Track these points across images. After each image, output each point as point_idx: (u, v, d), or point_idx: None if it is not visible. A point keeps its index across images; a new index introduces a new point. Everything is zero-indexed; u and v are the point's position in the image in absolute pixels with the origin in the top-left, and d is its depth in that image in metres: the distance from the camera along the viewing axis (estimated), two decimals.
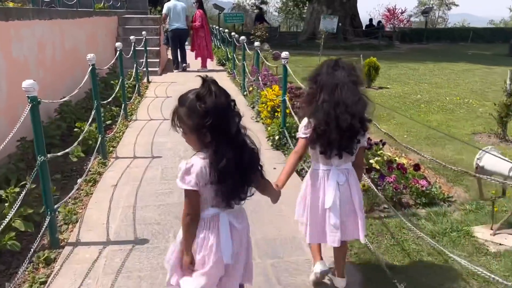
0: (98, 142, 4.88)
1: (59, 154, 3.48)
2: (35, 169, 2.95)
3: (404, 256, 3.02)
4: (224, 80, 10.87)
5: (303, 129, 2.34)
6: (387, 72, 12.34)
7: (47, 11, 6.60)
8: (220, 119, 1.70)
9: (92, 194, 4.08)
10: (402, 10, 43.12)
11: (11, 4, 7.67)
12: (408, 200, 3.87)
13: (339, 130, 2.20)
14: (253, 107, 7.55)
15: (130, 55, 8.46)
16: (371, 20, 27.39)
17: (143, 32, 10.29)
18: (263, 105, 6.03)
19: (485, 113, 6.90)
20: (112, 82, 8.07)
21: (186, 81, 10.45)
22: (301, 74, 7.73)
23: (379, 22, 27.31)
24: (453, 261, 2.79)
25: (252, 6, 31.42)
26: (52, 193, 3.90)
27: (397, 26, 28.37)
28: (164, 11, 11.63)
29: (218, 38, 16.89)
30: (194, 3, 12.49)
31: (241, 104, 8.01)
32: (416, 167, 4.07)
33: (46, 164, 2.95)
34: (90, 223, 3.51)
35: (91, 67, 4.67)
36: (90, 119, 4.73)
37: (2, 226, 2.57)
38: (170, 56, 15.33)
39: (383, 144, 4.93)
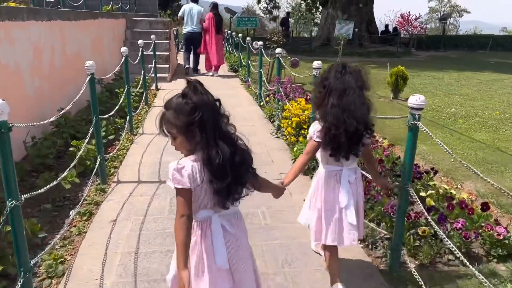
0: (97, 164, 4.16)
1: (40, 191, 2.72)
2: (3, 217, 2.22)
3: None
4: (238, 88, 10.17)
5: (318, 133, 2.35)
6: (411, 82, 11.51)
7: (45, 11, 5.92)
8: (208, 113, 1.67)
9: (86, 233, 3.34)
10: (416, 17, 42.40)
11: (12, 5, 7.04)
12: (478, 250, 3.09)
13: (347, 134, 2.23)
14: (272, 120, 6.82)
15: (137, 60, 7.78)
16: (387, 26, 26.60)
17: (152, 36, 9.61)
18: (287, 120, 5.28)
19: None
20: (117, 90, 7.37)
21: None
22: None
23: (395, 28, 26.48)
24: None
25: (264, 11, 30.76)
26: (37, 231, 3.21)
27: (411, 32, 27.54)
28: (180, 13, 11.54)
29: (231, 43, 16.19)
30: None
31: (258, 115, 7.27)
32: (485, 206, 3.29)
33: (19, 210, 2.22)
34: (79, 277, 2.76)
35: (89, 76, 3.96)
36: (88, 136, 4.02)
37: None
38: (180, 62, 14.79)
39: (435, 173, 4.16)
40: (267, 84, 8.26)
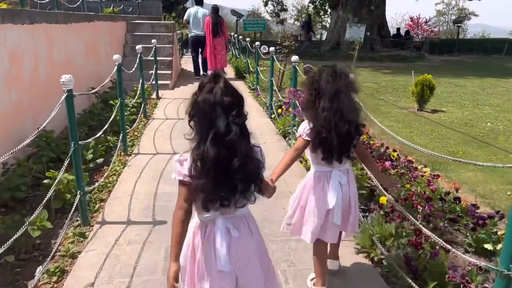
0: (76, 200, 3.35)
1: None
2: None
3: None
4: (245, 97, 9.33)
5: (308, 131, 2.34)
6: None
7: (27, 13, 5.13)
8: (204, 113, 1.66)
9: None
10: (426, 20, 41.43)
11: (3, 6, 6.29)
12: None
13: (338, 137, 2.25)
14: (285, 137, 6.01)
15: (136, 66, 6.99)
16: (398, 29, 25.71)
17: (153, 40, 8.83)
18: None
19: None
20: (111, 102, 6.57)
21: None
22: None
23: (407, 31, 25.61)
24: None
25: (271, 14, 29.95)
26: None
27: (425, 36, 26.67)
28: (185, 17, 11.40)
29: (237, 47, 15.39)
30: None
31: (269, 130, 6.45)
32: None
33: None
34: None
35: (66, 94, 3.15)
36: (67, 162, 3.23)
37: None
38: (183, 67, 14.03)
39: (501, 217, 3.29)
40: (278, 93, 7.45)
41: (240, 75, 12.32)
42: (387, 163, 4.22)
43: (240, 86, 11.00)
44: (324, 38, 22.87)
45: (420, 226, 2.58)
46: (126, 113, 6.53)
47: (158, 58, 10.13)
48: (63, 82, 3.13)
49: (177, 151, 5.38)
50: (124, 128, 5.22)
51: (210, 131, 1.64)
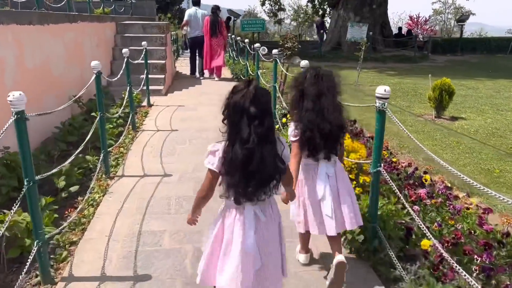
0: (34, 251, 2.59)
1: None
2: None
3: None
4: None
5: (293, 133, 2.45)
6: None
7: None
8: (234, 116, 1.82)
9: None
10: (426, 19, 40.74)
11: None
12: None
13: (322, 136, 2.40)
14: None
15: (130, 70, 6.23)
16: (400, 28, 25.02)
17: (143, 43, 8.05)
18: None
19: None
20: (94, 114, 5.79)
21: (198, 104, 8.20)
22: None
23: (409, 31, 24.90)
24: None
25: (269, 13, 29.17)
26: None
27: (422, 35, 25.94)
28: (186, 17, 11.26)
29: (235, 48, 14.64)
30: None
31: None
32: None
33: None
34: None
35: (15, 116, 2.39)
36: (18, 203, 2.47)
37: None
38: (178, 69, 13.29)
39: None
40: (282, 99, 6.70)
41: (239, 79, 11.56)
42: (422, 192, 3.47)
43: None
44: (324, 38, 22.07)
45: None
46: (111, 126, 5.77)
47: (149, 62, 9.37)
48: (10, 101, 2.36)
49: (169, 172, 4.63)
50: (106, 147, 4.44)
51: (238, 135, 1.82)
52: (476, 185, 2.04)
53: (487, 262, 2.60)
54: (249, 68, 10.68)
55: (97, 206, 3.78)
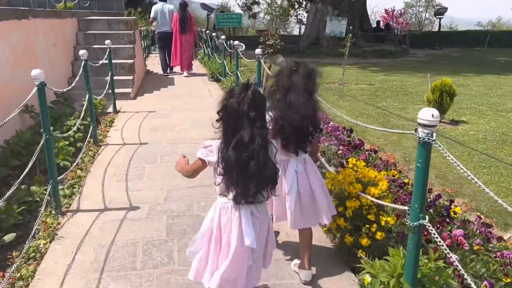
0: None
1: None
2: None
3: None
4: None
5: (269, 123, 2.39)
6: (423, 94, 9.36)
7: None
8: (230, 118, 1.90)
9: None
10: (401, 12, 40.52)
11: None
12: None
13: (292, 129, 2.46)
14: None
15: (92, 72, 5.28)
16: (378, 22, 24.51)
17: (107, 41, 7.11)
18: (333, 201, 2.88)
19: None
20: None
21: (171, 110, 7.32)
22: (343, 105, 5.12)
23: (387, 25, 24.44)
24: None
25: (242, 7, 28.21)
26: None
27: (398, 29, 25.53)
28: (152, 14, 11.07)
29: (210, 45, 13.71)
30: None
31: None
32: None
33: None
34: None
35: None
36: None
37: None
38: (150, 68, 12.32)
39: None
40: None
41: (215, 79, 10.70)
42: (458, 234, 2.73)
43: (215, 90, 9.41)
44: (302, 33, 21.33)
45: None
46: (66, 143, 4.84)
47: (116, 62, 8.44)
48: None
49: (135, 203, 3.78)
50: (55, 176, 3.54)
51: (233, 137, 1.89)
52: None
53: None
54: (226, 67, 9.83)
55: (40, 260, 2.90)
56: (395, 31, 22.79)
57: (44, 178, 3.97)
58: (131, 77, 8.61)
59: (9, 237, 2.98)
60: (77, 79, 4.82)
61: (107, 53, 7.05)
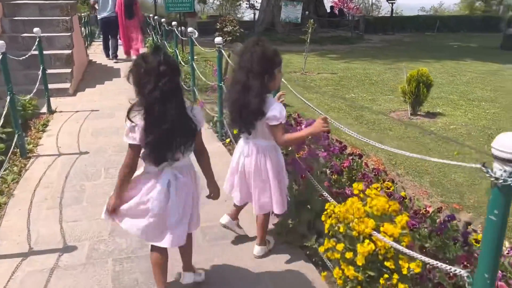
0: None
1: None
2: None
3: None
4: None
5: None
6: (398, 81, 8.96)
7: None
8: (142, 81, 1.88)
9: None
10: None
11: None
12: None
13: (233, 106, 2.45)
14: None
15: (13, 68, 4.25)
16: (332, 7, 24.10)
17: (35, 29, 6.01)
18: (339, 246, 2.14)
19: None
20: None
21: (117, 108, 6.32)
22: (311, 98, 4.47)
23: (341, 10, 24.10)
24: None
25: None
26: None
27: (350, 14, 25.31)
28: None
29: (158, 31, 12.59)
30: None
31: (223, 162, 4.11)
32: None
33: None
34: None
35: None
36: None
37: None
38: (92, 58, 11.12)
39: None
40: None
41: None
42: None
43: None
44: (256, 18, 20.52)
45: None
46: None
47: (50, 52, 7.35)
48: None
49: (72, 241, 2.95)
50: None
51: (150, 96, 1.87)
52: None
53: None
54: (179, 56, 8.90)
55: None
56: (349, 16, 22.53)
57: None
58: (69, 70, 7.51)
59: None
60: None
61: (36, 42, 5.96)
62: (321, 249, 2.31)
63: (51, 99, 6.30)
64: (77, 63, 8.16)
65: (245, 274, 2.61)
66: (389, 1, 23.31)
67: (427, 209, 2.95)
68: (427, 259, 1.82)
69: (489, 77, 9.56)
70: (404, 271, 2.03)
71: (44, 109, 6.09)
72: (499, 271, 2.19)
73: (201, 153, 2.21)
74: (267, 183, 2.52)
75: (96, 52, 12.34)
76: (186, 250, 2.35)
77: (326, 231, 2.25)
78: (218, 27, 7.13)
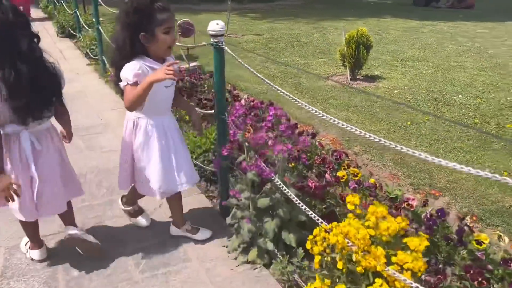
0: None
1: None
2: None
3: None
4: (83, 75, 5.87)
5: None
6: (328, 42, 8.53)
7: None
8: (3, 32, 1.73)
9: None
10: None
11: None
12: None
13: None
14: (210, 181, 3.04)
15: None
16: None
17: None
18: (326, 284, 1.54)
19: None
20: None
21: None
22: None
23: None
24: None
25: None
26: None
27: None
28: None
29: None
30: None
31: None
32: None
33: None
34: None
35: None
36: None
37: None
38: None
39: None
40: None
41: (67, 34, 8.37)
42: None
43: (69, 50, 7.27)
44: None
45: None
46: None
47: None
48: None
49: None
50: None
51: (14, 50, 1.74)
52: None
53: None
54: (80, 18, 7.60)
55: None
56: None
57: None
58: None
59: None
60: None
61: None
62: None
63: None
64: None
65: None
66: None
67: (410, 202, 2.46)
68: None
69: (412, 35, 9.46)
70: None
71: None
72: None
73: (63, 114, 2.11)
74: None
75: None
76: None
77: (316, 265, 1.62)
78: None
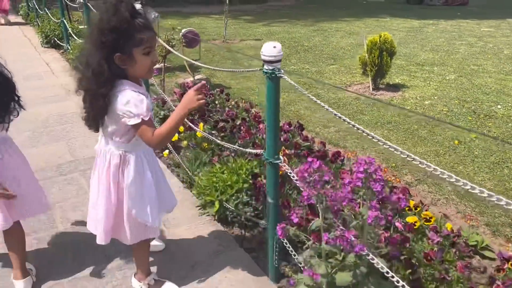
0: None
1: None
2: None
3: None
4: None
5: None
6: (332, 46, 8.06)
7: None
8: None
9: None
10: None
11: None
12: None
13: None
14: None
15: None
16: None
17: None
18: None
19: None
20: None
21: None
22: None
23: None
24: None
25: None
26: None
27: None
28: None
29: None
30: None
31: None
32: None
33: None
34: None
35: None
36: None
37: None
38: None
39: None
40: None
41: (52, 44, 7.73)
42: None
43: (57, 63, 6.64)
44: None
45: None
46: None
47: None
48: None
49: None
50: None
51: None
52: None
53: None
54: (67, 26, 6.99)
55: None
56: None
57: None
58: None
59: None
60: None
61: None
62: None
63: None
64: None
65: None
66: None
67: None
68: None
69: (418, 35, 9.07)
70: None
71: None
72: None
73: None
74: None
75: None
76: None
77: None
78: None
